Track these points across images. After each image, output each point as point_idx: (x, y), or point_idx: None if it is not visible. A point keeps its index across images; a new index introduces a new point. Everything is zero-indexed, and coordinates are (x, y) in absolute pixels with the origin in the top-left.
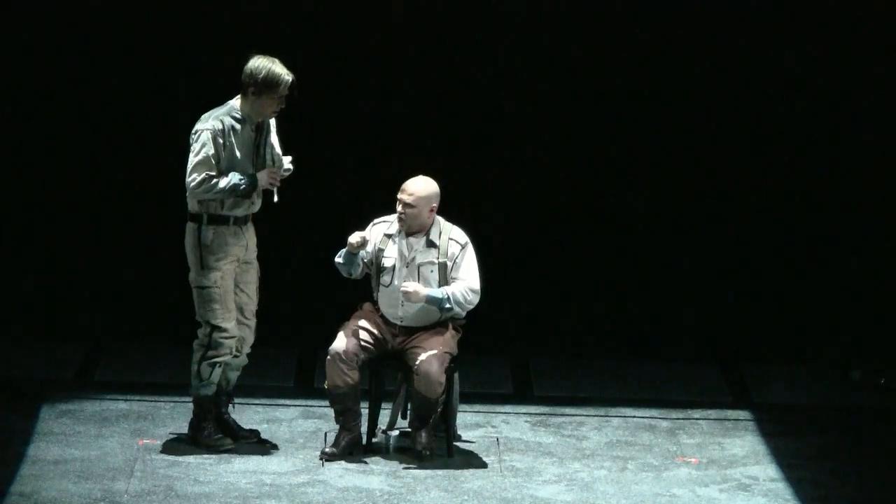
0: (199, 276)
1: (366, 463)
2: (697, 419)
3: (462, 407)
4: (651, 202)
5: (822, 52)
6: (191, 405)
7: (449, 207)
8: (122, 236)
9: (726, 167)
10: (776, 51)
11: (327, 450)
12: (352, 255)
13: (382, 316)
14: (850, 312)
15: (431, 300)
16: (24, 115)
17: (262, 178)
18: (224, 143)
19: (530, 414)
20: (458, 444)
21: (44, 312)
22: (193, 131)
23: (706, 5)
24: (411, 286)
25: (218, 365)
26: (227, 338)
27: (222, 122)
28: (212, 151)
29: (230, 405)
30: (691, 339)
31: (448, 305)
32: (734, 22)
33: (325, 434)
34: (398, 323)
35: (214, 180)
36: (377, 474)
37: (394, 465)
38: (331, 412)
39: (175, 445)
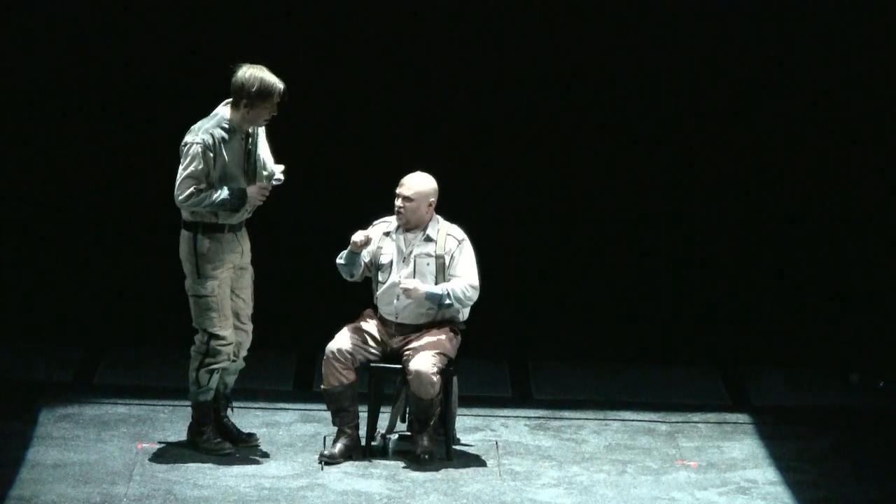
0: (196, 285)
1: (365, 466)
2: (696, 422)
3: (461, 410)
4: (651, 205)
5: (824, 53)
6: (190, 409)
7: (448, 209)
8: (122, 239)
9: (726, 169)
10: (775, 53)
11: (326, 453)
12: (354, 255)
13: (381, 318)
14: (850, 315)
15: (431, 297)
16: (25, 116)
17: (252, 193)
18: (215, 156)
19: (529, 417)
20: (457, 447)
21: (43, 316)
22: (183, 143)
23: (706, 6)
24: (411, 283)
25: (216, 371)
26: (224, 345)
27: (212, 134)
28: (201, 166)
29: (229, 409)
30: (690, 342)
31: (448, 301)
32: (734, 22)
33: (325, 438)
34: (394, 319)
35: (203, 194)
36: (376, 478)
37: (393, 469)
38: (330, 416)
39: (174, 449)
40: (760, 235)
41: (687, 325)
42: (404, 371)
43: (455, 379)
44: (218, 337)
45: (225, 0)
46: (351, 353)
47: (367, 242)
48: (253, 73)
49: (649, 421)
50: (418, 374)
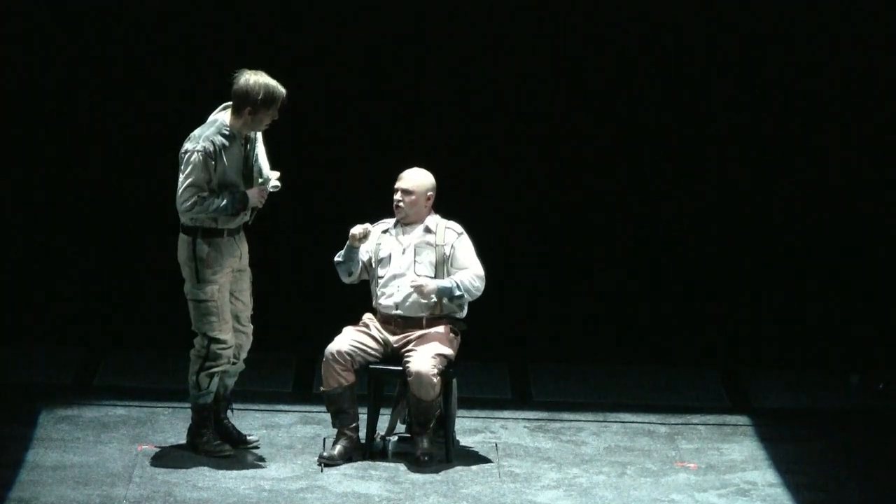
0: (196, 290)
1: (364, 468)
2: (696, 424)
3: (461, 412)
4: (650, 207)
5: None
6: (190, 411)
7: (447, 209)
8: (123, 241)
9: (725, 170)
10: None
11: (326, 454)
12: (352, 251)
13: (381, 318)
14: (850, 317)
15: (442, 291)
16: (26, 119)
17: (253, 196)
18: (216, 163)
19: (529, 419)
20: (456, 449)
21: (43, 317)
22: (183, 151)
23: (707, 5)
24: (420, 280)
25: (216, 375)
26: (224, 348)
27: (213, 142)
28: (202, 174)
29: (229, 410)
30: (690, 344)
31: (459, 293)
32: (734, 22)
33: (324, 439)
34: (394, 312)
35: (206, 202)
36: (376, 480)
37: (392, 471)
38: (329, 418)
39: (174, 451)
40: (760, 237)
41: (686, 326)
42: (404, 372)
43: (455, 381)
44: (218, 341)
45: (225, 0)
46: (350, 355)
47: (365, 235)
48: (256, 79)
49: (649, 423)
50: (418, 375)
